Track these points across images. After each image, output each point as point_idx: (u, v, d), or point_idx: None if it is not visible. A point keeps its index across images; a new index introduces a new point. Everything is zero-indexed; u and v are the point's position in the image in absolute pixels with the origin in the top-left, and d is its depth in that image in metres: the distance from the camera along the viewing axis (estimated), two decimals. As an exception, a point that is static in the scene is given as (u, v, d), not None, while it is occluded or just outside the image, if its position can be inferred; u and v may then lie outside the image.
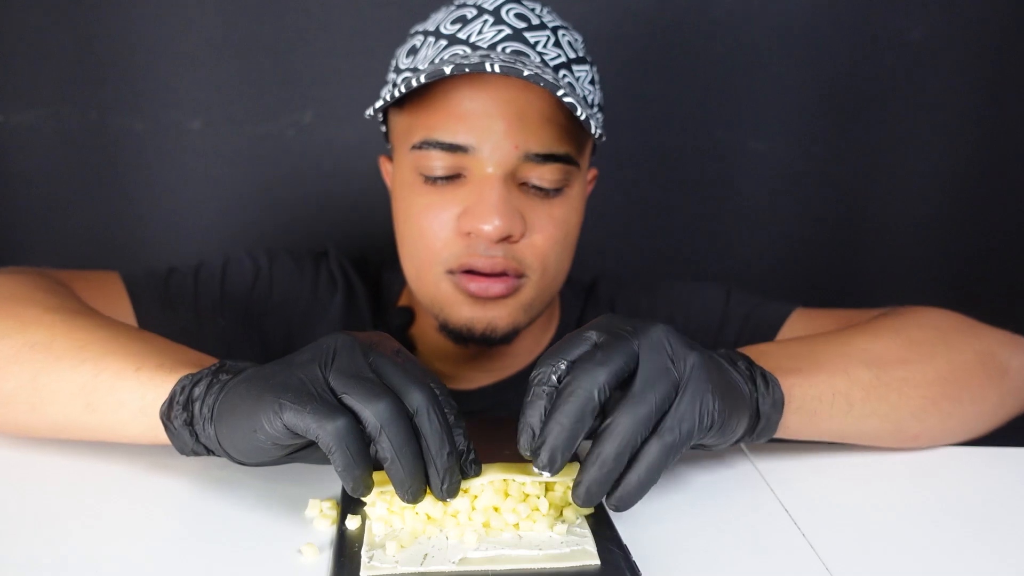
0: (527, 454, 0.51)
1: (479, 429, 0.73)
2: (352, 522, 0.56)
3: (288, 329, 0.90)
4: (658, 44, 1.28)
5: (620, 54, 1.25)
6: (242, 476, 0.63)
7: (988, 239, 1.37)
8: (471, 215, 0.75)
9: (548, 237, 0.78)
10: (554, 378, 0.52)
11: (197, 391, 0.56)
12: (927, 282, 1.26)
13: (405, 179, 0.79)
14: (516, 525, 0.53)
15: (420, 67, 0.77)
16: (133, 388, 0.59)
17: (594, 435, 0.51)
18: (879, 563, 0.56)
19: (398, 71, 0.81)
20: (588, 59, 0.81)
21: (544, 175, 0.76)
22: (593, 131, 0.72)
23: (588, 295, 0.96)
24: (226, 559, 0.53)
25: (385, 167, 0.89)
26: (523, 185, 0.77)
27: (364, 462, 0.50)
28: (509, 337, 0.81)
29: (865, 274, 1.35)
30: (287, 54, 1.27)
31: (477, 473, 0.53)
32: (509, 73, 0.68)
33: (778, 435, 0.62)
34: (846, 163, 1.33)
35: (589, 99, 0.80)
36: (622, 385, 0.52)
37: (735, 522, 0.60)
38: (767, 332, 0.87)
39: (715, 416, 0.52)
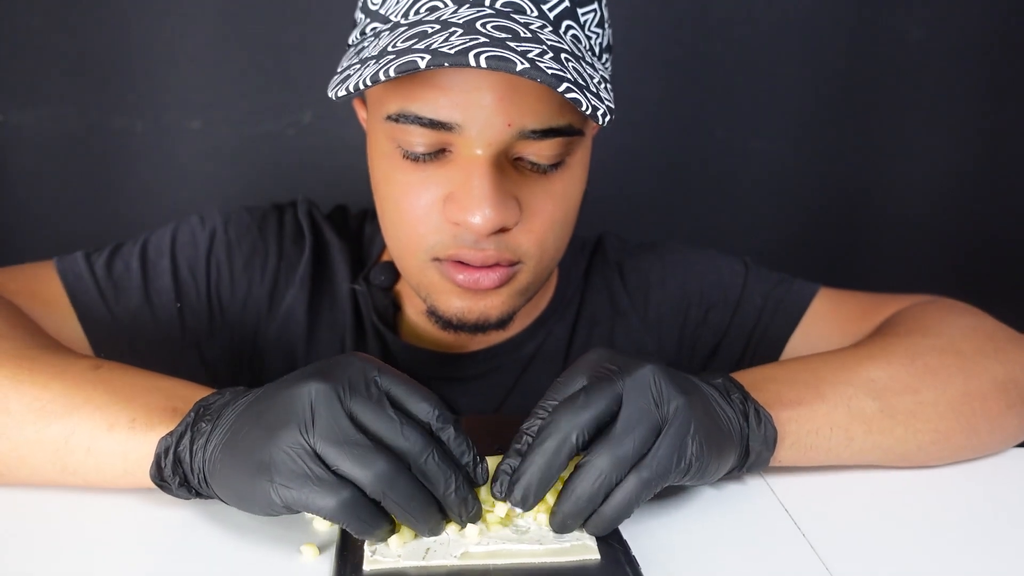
0: (499, 497, 0.52)
1: (472, 425, 0.73)
2: None
3: (256, 301, 0.80)
4: (658, 44, 1.28)
5: (621, 54, 1.24)
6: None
7: (988, 238, 1.37)
8: (458, 204, 0.65)
9: (547, 218, 0.68)
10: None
11: (183, 453, 0.52)
12: (927, 279, 1.25)
13: (382, 148, 0.68)
14: (509, 514, 0.53)
15: (392, 16, 0.65)
16: (111, 451, 0.55)
17: (574, 469, 0.52)
18: (882, 567, 0.55)
19: (367, 12, 0.68)
20: None
21: (542, 151, 0.65)
22: (600, 120, 0.59)
23: (594, 253, 0.88)
24: (226, 559, 0.53)
25: (360, 112, 0.76)
26: (518, 160, 0.66)
27: (379, 522, 0.50)
28: (504, 323, 0.73)
29: (865, 273, 1.35)
30: (287, 54, 1.26)
31: (485, 480, 0.53)
32: (498, 68, 0.56)
33: (771, 465, 0.61)
34: (846, 162, 1.33)
35: (596, 44, 0.68)
36: (605, 425, 0.52)
37: (736, 522, 0.59)
38: (790, 316, 0.83)
39: (692, 462, 0.52)
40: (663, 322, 0.86)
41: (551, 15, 0.64)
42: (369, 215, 0.87)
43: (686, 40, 1.28)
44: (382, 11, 0.66)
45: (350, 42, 0.71)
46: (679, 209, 1.35)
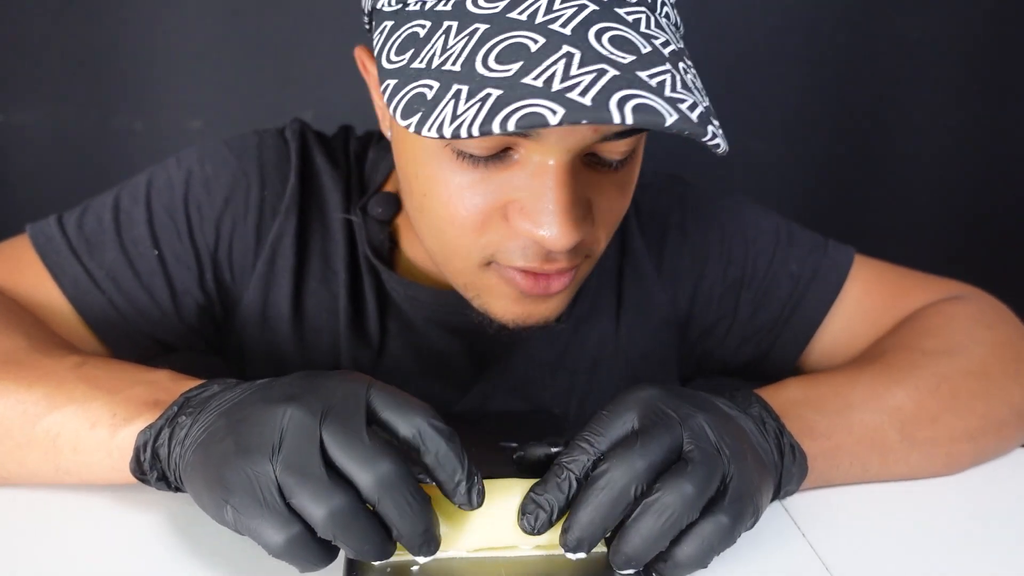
0: (531, 533, 0.48)
1: (472, 425, 0.71)
2: None
3: (243, 237, 0.73)
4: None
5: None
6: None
7: (989, 241, 1.37)
8: (529, 218, 0.55)
9: (616, 213, 0.60)
10: (589, 467, 0.48)
11: (161, 448, 0.50)
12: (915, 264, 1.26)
13: (424, 139, 0.57)
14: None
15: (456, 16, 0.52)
16: (96, 449, 0.53)
17: (637, 502, 0.47)
18: (886, 572, 0.54)
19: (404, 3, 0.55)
20: None
21: (618, 148, 0.56)
22: (723, 151, 0.50)
23: None
24: (228, 557, 0.52)
25: (362, 60, 0.64)
26: (589, 156, 0.57)
27: (324, 562, 0.46)
28: (560, 320, 0.67)
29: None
30: (287, 54, 1.26)
31: (479, 503, 0.48)
32: (646, 124, 0.46)
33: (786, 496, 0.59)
34: (846, 162, 1.33)
35: (674, 12, 0.58)
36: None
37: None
38: (826, 292, 0.77)
39: (757, 512, 0.50)
40: (679, 273, 0.79)
41: (660, 8, 0.54)
42: (375, 138, 0.78)
43: (686, 40, 1.28)
44: (433, 2, 0.53)
45: (380, 6, 0.58)
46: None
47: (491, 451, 0.62)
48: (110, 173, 1.26)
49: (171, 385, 0.54)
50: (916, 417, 0.62)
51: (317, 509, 0.43)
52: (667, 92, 0.48)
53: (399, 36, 0.54)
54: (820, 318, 0.77)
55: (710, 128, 0.48)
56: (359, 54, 0.65)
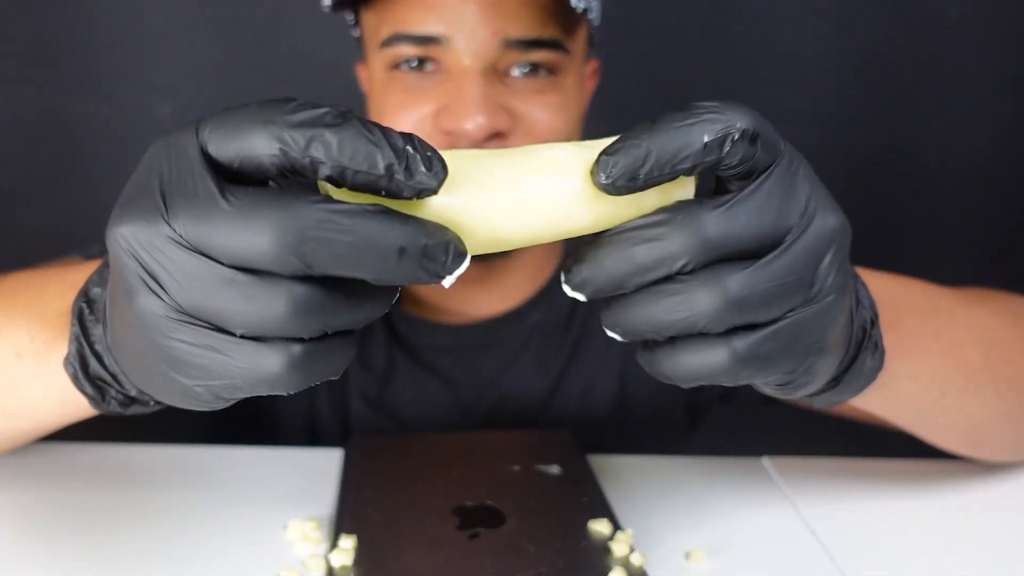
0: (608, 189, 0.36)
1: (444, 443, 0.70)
2: (338, 557, 0.51)
3: None
4: (678, 22, 1.24)
5: (630, 35, 1.20)
6: (212, 493, 0.61)
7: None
8: (450, 113, 0.67)
9: (546, 127, 0.69)
10: None
11: (95, 371, 0.43)
12: (957, 275, 1.21)
13: (377, 78, 0.73)
14: None
15: None
16: (30, 384, 0.49)
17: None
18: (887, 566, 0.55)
19: None
20: None
21: (526, 58, 0.69)
22: (589, 13, 0.65)
23: None
24: (223, 557, 0.53)
25: (362, 75, 0.81)
26: (509, 76, 0.69)
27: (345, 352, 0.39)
28: None
29: (895, 266, 1.30)
30: (266, 33, 1.22)
31: (444, 175, 0.34)
32: None
33: (848, 402, 0.48)
34: (876, 149, 1.29)
35: None
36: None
37: (744, 527, 0.59)
38: None
39: (811, 376, 0.39)
40: None
41: None
42: None
43: (706, 18, 1.24)
44: None
45: None
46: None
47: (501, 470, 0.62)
48: (71, 161, 1.24)
49: (76, 279, 0.47)
50: (999, 343, 0.58)
51: (276, 303, 0.33)
52: None
53: None
54: None
55: None
56: (359, 71, 0.81)
